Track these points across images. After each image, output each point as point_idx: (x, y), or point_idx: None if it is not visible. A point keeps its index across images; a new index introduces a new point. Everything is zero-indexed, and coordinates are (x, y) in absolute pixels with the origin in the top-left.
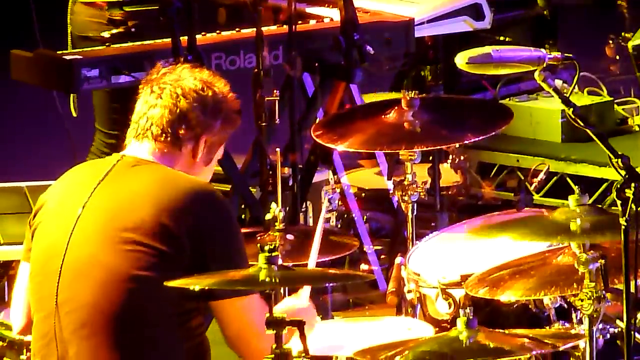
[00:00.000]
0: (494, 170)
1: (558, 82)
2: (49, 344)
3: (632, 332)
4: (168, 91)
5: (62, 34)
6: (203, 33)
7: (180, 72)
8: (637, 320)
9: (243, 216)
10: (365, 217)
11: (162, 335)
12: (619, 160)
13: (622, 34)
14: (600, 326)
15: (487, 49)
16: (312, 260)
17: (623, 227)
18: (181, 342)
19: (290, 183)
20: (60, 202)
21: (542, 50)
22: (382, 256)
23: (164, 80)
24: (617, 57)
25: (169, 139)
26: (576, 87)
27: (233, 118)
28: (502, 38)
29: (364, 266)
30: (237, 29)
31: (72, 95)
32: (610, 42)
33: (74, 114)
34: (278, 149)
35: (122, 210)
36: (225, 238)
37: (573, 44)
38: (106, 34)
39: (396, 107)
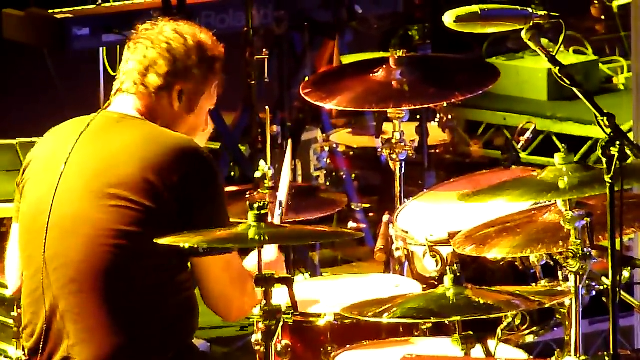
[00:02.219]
0: (481, 129)
1: (544, 41)
2: (38, 300)
3: (617, 289)
4: (140, 44)
5: None
6: None
7: (161, 26)
8: (622, 278)
9: (232, 174)
10: (353, 175)
11: (149, 289)
12: (605, 118)
13: None
14: (586, 283)
15: (475, 8)
16: (282, 193)
17: (608, 184)
18: (169, 296)
19: (280, 141)
20: (44, 159)
21: (529, 9)
22: (371, 214)
23: (148, 35)
24: (602, 17)
25: (141, 89)
26: (562, 46)
27: (211, 64)
28: None
29: (352, 224)
30: None
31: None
32: (596, 2)
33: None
34: (267, 107)
35: (107, 166)
36: (210, 195)
37: (559, 4)
38: None
39: (384, 66)
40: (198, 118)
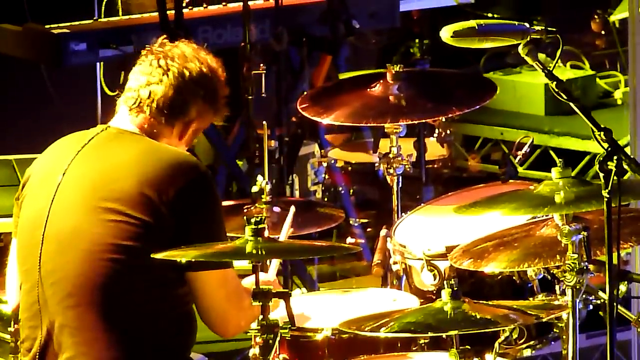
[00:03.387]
0: (478, 143)
1: (542, 56)
2: (35, 314)
3: (615, 304)
4: (176, 70)
5: (51, 8)
6: (190, 7)
7: (184, 49)
8: (619, 292)
9: (230, 188)
10: (351, 190)
11: (147, 303)
12: (602, 133)
13: (608, 9)
14: (583, 297)
15: (472, 23)
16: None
17: (605, 199)
18: (167, 310)
19: (277, 156)
20: (43, 174)
21: (526, 24)
22: (369, 229)
23: (171, 56)
24: (603, 32)
25: (164, 118)
26: (559, 61)
27: (224, 107)
28: (486, 14)
29: (350, 239)
30: (224, 3)
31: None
32: (596, 16)
33: (108, 92)
34: (265, 122)
35: (104, 180)
36: (207, 209)
37: (558, 20)
38: None
39: (381, 81)
40: (192, 140)
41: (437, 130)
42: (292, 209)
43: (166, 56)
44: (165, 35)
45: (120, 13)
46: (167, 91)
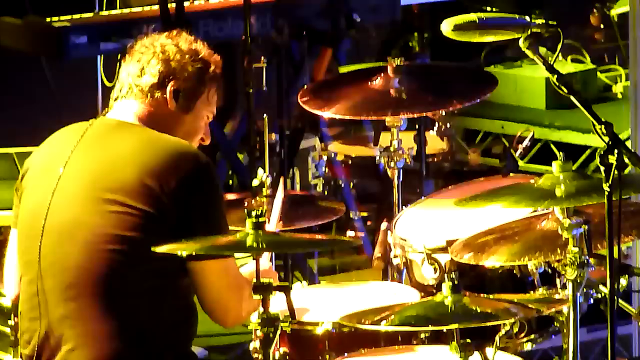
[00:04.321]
0: (479, 137)
1: (542, 50)
2: (36, 306)
3: (616, 297)
4: (135, 52)
5: (52, 1)
6: (191, 0)
7: (154, 36)
8: (620, 285)
9: (231, 182)
10: (352, 184)
11: (148, 294)
12: (603, 126)
13: (607, 3)
14: (584, 291)
15: (473, 16)
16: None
17: (606, 192)
18: (168, 301)
19: (278, 149)
20: (43, 165)
21: (527, 17)
22: (369, 222)
23: (136, 47)
24: (602, 26)
25: (137, 92)
26: (560, 54)
27: (205, 66)
28: (487, 7)
29: (350, 233)
30: None
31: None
32: (595, 10)
33: (107, 83)
34: (265, 115)
35: (105, 171)
36: (209, 199)
37: (559, 12)
38: None
39: (382, 74)
40: (196, 121)
41: (437, 124)
42: (279, 196)
43: (142, 45)
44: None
45: (119, 6)
46: (144, 67)
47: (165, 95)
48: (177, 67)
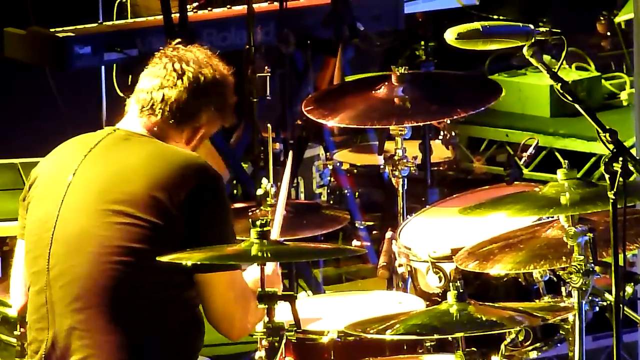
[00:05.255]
0: (483, 145)
1: (546, 58)
2: (44, 317)
3: (621, 305)
4: (191, 75)
5: (55, 11)
6: (195, 10)
7: (198, 55)
8: (625, 293)
9: (235, 191)
10: (356, 193)
11: (155, 306)
12: (607, 134)
13: (614, 10)
14: (589, 299)
15: (476, 25)
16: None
17: (611, 200)
18: (175, 313)
19: (282, 158)
20: (51, 175)
21: (531, 25)
22: (374, 231)
23: (186, 60)
24: (608, 33)
25: (175, 122)
26: (564, 62)
27: (230, 117)
28: (494, 16)
29: (355, 242)
30: (228, 6)
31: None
32: (602, 18)
33: (120, 93)
34: (269, 125)
35: (113, 182)
36: (217, 211)
37: (565, 21)
38: None
39: (386, 83)
40: (193, 150)
41: (442, 133)
42: (280, 205)
43: (180, 60)
44: (179, 40)
45: (130, 16)
46: (181, 95)
47: (181, 129)
48: (202, 105)
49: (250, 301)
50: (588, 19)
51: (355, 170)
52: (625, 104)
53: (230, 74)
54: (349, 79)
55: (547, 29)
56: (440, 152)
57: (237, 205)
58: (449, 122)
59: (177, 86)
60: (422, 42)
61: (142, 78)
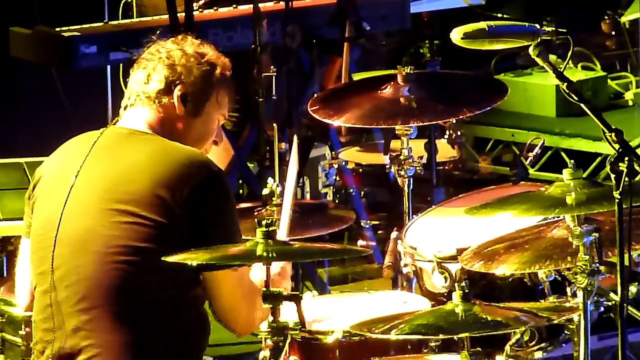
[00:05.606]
0: (489, 145)
1: (552, 57)
2: (49, 317)
3: (626, 305)
4: (142, 60)
5: (61, 11)
6: (200, 10)
7: (160, 43)
8: (630, 293)
9: (241, 191)
10: (362, 192)
11: (161, 305)
12: (613, 134)
13: (619, 10)
14: (595, 299)
15: (482, 24)
16: (282, 231)
17: (617, 200)
18: (181, 312)
19: (288, 158)
20: (54, 174)
21: (537, 25)
22: (379, 231)
23: (148, 52)
24: (613, 33)
25: (145, 99)
26: (570, 62)
27: (212, 67)
28: (499, 15)
29: (361, 242)
30: (234, 6)
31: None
32: (607, 17)
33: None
34: (275, 124)
35: (117, 182)
36: (222, 208)
37: (570, 20)
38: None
39: (392, 83)
40: (206, 125)
41: (447, 132)
42: (287, 205)
43: (148, 53)
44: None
45: (135, 15)
46: (150, 73)
47: (172, 100)
48: (183, 70)
49: (257, 297)
50: (592, 18)
51: (360, 170)
52: (630, 103)
53: (214, 50)
54: (354, 77)
55: (553, 28)
56: (445, 151)
57: (243, 205)
58: (454, 121)
59: (146, 68)
60: (427, 41)
61: (130, 77)
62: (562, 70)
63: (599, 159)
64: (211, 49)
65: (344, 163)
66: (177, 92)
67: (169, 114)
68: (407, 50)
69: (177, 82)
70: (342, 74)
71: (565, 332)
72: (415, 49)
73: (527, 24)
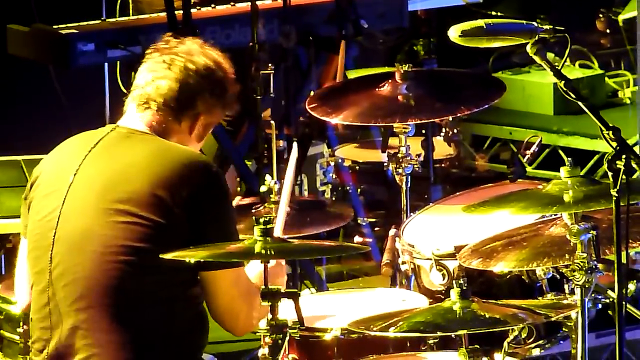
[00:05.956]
0: (487, 143)
1: (550, 55)
2: (47, 316)
3: (624, 303)
4: (179, 64)
5: (59, 9)
6: (198, 7)
7: (190, 45)
8: (628, 291)
9: (239, 189)
10: (359, 190)
11: (159, 304)
12: (610, 132)
13: (613, 8)
14: (592, 296)
15: (480, 22)
16: (278, 228)
17: (614, 198)
18: (179, 311)
19: (285, 156)
20: (53, 174)
21: (534, 23)
22: (377, 228)
23: (175, 52)
24: (608, 31)
25: (171, 112)
26: (567, 60)
27: (232, 102)
28: (493, 12)
29: (358, 238)
30: (232, 3)
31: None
32: (601, 15)
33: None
34: (273, 122)
35: (115, 181)
36: (220, 209)
37: (564, 18)
38: None
39: (390, 80)
40: (199, 143)
41: (444, 129)
42: (283, 203)
43: (171, 52)
44: (170, 33)
45: (133, 13)
46: (171, 85)
47: (181, 116)
48: (195, 91)
49: (255, 297)
50: (587, 16)
51: (357, 167)
52: (627, 101)
53: (226, 61)
54: (352, 75)
55: (551, 26)
56: (442, 148)
57: (241, 202)
58: (451, 118)
59: (167, 77)
60: (421, 39)
61: (137, 75)
62: (559, 68)
63: (596, 156)
64: (224, 63)
65: (341, 160)
66: (189, 120)
67: (177, 129)
68: (402, 47)
69: (196, 114)
70: (337, 72)
71: (563, 329)
72: (409, 46)
73: (525, 22)
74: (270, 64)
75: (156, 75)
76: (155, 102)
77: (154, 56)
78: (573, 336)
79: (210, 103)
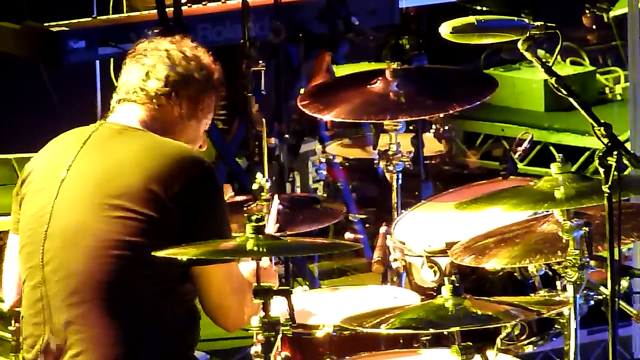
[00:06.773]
0: (479, 140)
1: (541, 52)
2: (40, 311)
3: (616, 299)
4: (139, 55)
5: (49, 6)
6: (189, 4)
7: (158, 41)
8: (620, 287)
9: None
10: (351, 187)
11: (152, 299)
12: (602, 128)
13: (597, 4)
14: (584, 293)
15: (471, 19)
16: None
17: (606, 194)
18: (172, 306)
19: (277, 153)
20: (44, 169)
21: (525, 19)
22: (368, 225)
23: (155, 47)
24: (594, 27)
25: (142, 95)
26: (558, 56)
27: (209, 73)
28: (481, 8)
29: (349, 234)
30: (222, 0)
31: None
32: (587, 11)
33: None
34: (264, 119)
35: (109, 176)
36: (213, 204)
37: (550, 14)
38: None
39: (381, 78)
40: (198, 129)
41: (434, 126)
42: (276, 199)
43: (145, 49)
44: (156, 31)
45: (125, 10)
46: (150, 71)
47: (170, 101)
48: (183, 72)
49: (247, 293)
50: (573, 12)
51: (348, 164)
52: (619, 98)
53: (205, 52)
54: (342, 71)
55: (542, 23)
56: (432, 145)
57: (233, 200)
58: (441, 115)
59: (145, 65)
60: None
61: (121, 73)
62: (550, 64)
63: (587, 153)
64: (206, 53)
65: (332, 157)
66: (177, 93)
67: (165, 113)
68: (389, 43)
69: (178, 84)
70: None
71: (556, 326)
72: (395, 41)
73: (515, 18)
74: (261, 61)
75: (133, 69)
76: (136, 92)
77: (137, 52)
78: (565, 333)
79: (178, 76)
